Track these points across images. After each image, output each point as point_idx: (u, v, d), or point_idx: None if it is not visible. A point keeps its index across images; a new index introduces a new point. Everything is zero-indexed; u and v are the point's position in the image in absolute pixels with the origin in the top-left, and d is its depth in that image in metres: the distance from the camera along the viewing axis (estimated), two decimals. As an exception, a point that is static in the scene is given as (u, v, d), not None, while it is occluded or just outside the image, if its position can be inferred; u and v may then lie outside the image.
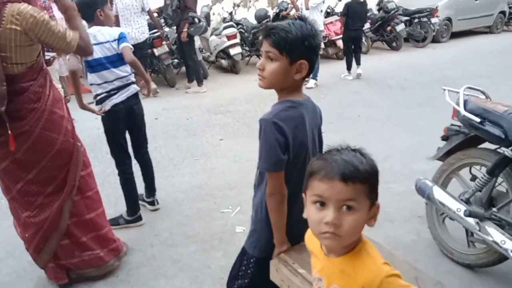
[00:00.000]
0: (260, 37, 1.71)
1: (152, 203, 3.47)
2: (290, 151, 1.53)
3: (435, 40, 11.25)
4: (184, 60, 7.74)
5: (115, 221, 3.21)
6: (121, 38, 2.96)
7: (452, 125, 2.85)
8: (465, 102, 2.63)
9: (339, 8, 9.35)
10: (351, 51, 7.99)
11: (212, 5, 10.25)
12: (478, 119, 2.47)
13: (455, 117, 2.78)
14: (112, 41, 2.94)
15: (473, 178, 2.72)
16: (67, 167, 2.43)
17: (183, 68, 8.14)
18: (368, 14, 9.41)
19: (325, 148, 1.17)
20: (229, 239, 3.05)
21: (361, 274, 1.01)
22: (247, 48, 9.18)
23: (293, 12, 8.66)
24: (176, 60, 8.16)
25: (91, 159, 2.71)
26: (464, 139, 2.72)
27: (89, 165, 2.62)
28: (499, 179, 2.52)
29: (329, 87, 7.46)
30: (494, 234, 2.29)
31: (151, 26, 7.21)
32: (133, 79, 3.12)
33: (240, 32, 8.97)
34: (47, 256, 2.50)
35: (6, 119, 2.14)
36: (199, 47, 8.57)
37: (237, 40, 8.56)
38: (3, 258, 2.94)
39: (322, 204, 1.01)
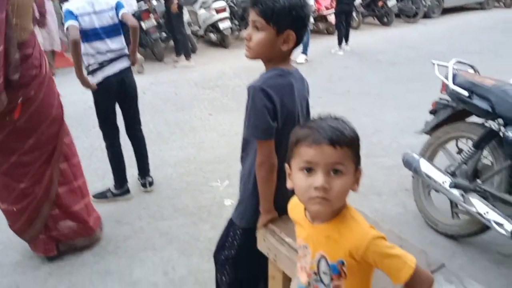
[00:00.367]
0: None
1: (144, 185, 3.38)
2: (279, 119, 1.50)
3: (426, 16, 11.19)
4: (172, 34, 7.59)
5: (103, 195, 3.20)
6: (118, 7, 2.93)
7: (440, 99, 2.86)
8: (454, 76, 2.64)
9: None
10: (344, 25, 7.92)
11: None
12: (466, 93, 2.48)
13: (443, 91, 2.79)
14: (109, 10, 2.89)
15: (459, 151, 2.75)
16: (58, 135, 2.44)
17: (171, 42, 8.00)
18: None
19: None
20: (217, 212, 3.07)
21: (348, 238, 1.02)
22: (236, 22, 9.03)
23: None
24: (164, 34, 8.00)
25: (78, 133, 2.71)
26: (451, 113, 2.74)
27: (69, 133, 2.63)
28: (485, 152, 2.56)
29: (320, 62, 7.41)
30: (478, 205, 2.33)
31: (138, -1, 7.04)
32: (127, 52, 3.06)
33: (229, 5, 8.80)
34: (39, 226, 2.50)
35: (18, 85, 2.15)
36: (188, 21, 8.39)
37: (227, 14, 8.41)
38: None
39: (310, 170, 1.01)
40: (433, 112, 2.91)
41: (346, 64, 7.20)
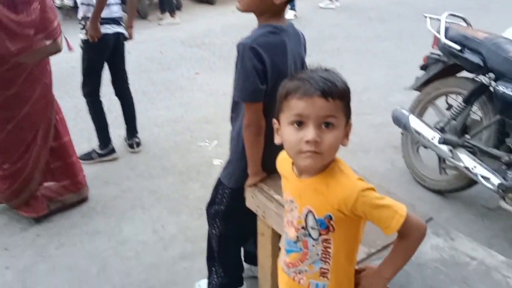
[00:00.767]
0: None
1: (131, 146, 3.33)
2: (269, 81, 1.45)
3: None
4: (156, -10, 7.29)
5: (88, 156, 3.15)
6: None
7: (432, 53, 2.81)
8: (446, 29, 2.58)
9: None
10: None
11: None
12: (458, 47, 2.43)
13: (435, 46, 2.74)
14: None
15: (449, 107, 2.74)
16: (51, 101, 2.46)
17: (156, -1, 7.69)
18: None
19: None
20: (206, 171, 3.05)
21: (336, 191, 1.00)
22: (223, -23, 8.68)
23: None
24: (147, -10, 7.67)
25: (62, 93, 2.66)
26: (442, 68, 2.70)
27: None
28: (474, 108, 2.55)
29: (309, 19, 7.21)
30: (466, 160, 2.34)
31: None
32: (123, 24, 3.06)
33: (215, -41, 8.42)
34: (29, 193, 2.50)
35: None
36: (172, -24, 8.03)
37: (213, -32, 8.07)
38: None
39: (300, 123, 0.97)
40: (424, 67, 2.87)
41: (336, 21, 7.03)
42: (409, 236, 1.01)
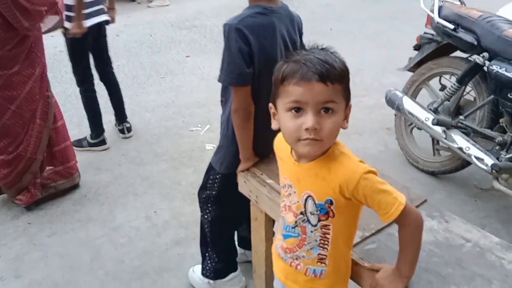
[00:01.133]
0: None
1: (122, 131, 3.28)
2: (256, 64, 1.40)
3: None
4: (144, -30, 7.12)
5: (79, 143, 3.10)
6: None
7: (425, 33, 2.77)
8: (440, 8, 2.54)
9: None
10: None
11: None
12: (451, 26, 2.40)
13: (428, 25, 2.70)
14: None
15: (443, 88, 2.72)
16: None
17: (144, -20, 7.51)
18: None
19: None
20: (199, 156, 3.02)
21: (338, 174, 0.97)
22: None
23: None
24: (135, -29, 7.49)
25: (50, 78, 2.58)
26: (436, 48, 2.67)
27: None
28: (468, 88, 2.53)
29: (301, 0, 7.11)
30: (460, 141, 2.33)
31: None
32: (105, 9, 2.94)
33: None
34: (31, 176, 2.48)
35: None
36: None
37: None
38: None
39: (298, 110, 0.93)
40: (417, 47, 2.84)
41: (328, 2, 6.93)
42: (407, 225, 0.99)
